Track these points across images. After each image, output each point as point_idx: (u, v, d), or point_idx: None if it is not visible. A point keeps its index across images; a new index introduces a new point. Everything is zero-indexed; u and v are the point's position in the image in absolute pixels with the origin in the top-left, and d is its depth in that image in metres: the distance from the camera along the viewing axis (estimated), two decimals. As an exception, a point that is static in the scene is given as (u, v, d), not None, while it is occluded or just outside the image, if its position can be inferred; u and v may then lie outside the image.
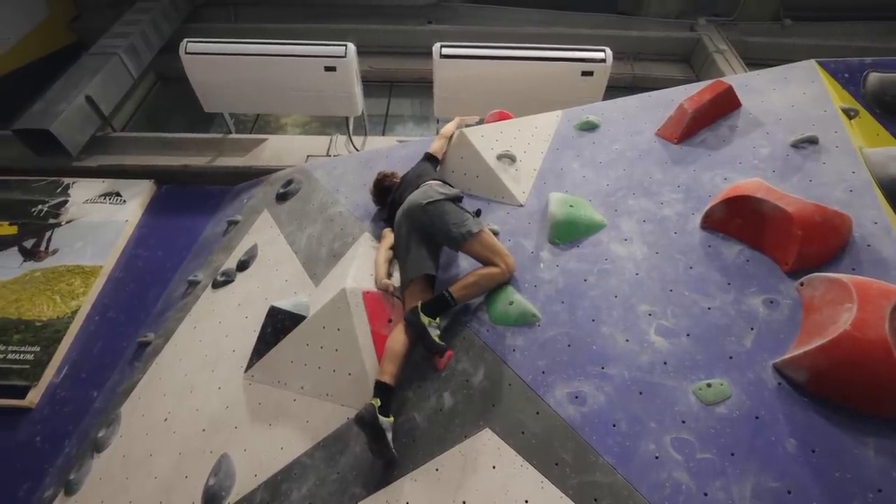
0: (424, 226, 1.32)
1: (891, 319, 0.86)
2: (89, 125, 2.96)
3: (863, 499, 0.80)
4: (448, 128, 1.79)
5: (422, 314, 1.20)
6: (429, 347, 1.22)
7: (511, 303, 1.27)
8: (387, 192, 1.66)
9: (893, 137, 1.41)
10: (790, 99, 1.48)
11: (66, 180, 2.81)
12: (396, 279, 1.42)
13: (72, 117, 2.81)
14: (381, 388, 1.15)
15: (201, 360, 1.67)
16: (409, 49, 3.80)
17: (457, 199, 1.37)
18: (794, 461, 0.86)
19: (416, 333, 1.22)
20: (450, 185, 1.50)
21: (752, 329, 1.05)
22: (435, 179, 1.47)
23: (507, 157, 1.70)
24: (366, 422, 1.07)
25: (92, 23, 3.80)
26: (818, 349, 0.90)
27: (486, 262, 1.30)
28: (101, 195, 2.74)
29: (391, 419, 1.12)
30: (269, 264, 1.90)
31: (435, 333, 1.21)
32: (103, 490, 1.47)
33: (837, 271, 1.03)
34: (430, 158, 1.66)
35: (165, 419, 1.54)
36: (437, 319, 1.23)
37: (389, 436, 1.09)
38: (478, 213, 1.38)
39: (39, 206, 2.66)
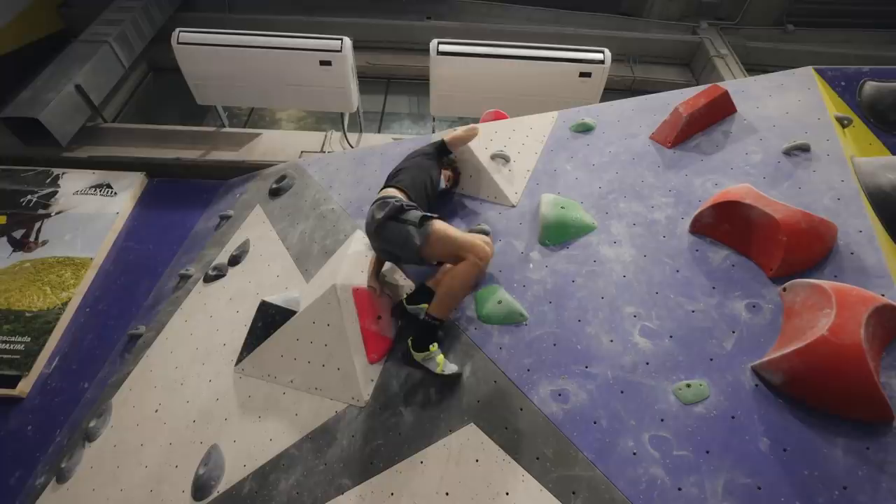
0: (381, 247, 1.29)
1: (867, 325, 0.88)
2: (79, 115, 2.91)
3: (829, 496, 0.83)
4: (474, 126, 1.62)
5: (414, 353, 1.15)
6: (442, 379, 1.13)
7: (499, 302, 1.29)
8: None
9: (886, 147, 1.42)
10: (785, 106, 1.48)
11: (56, 171, 2.76)
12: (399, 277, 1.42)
13: (61, 106, 2.75)
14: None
15: (192, 354, 1.67)
16: (408, 45, 3.75)
17: (398, 212, 1.22)
18: (766, 459, 0.89)
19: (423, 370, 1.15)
20: (405, 188, 1.33)
21: (733, 332, 1.07)
22: (396, 186, 1.33)
23: (501, 157, 1.70)
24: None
25: (80, 9, 3.70)
26: (795, 352, 0.92)
27: (455, 260, 1.20)
28: (92, 187, 2.71)
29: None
30: (260, 259, 1.89)
31: (440, 365, 1.13)
32: (94, 478, 1.48)
33: (820, 278, 1.05)
34: (439, 146, 1.53)
35: (156, 410, 1.55)
36: (435, 345, 1.15)
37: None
38: (421, 222, 1.18)
39: (28, 197, 2.63)
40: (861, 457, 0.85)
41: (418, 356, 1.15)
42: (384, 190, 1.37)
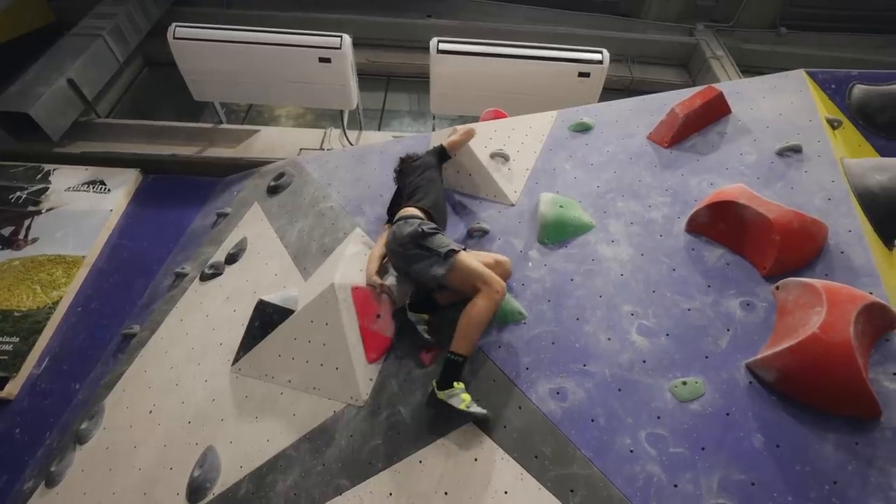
0: (401, 266, 1.32)
1: (856, 323, 0.90)
2: (71, 110, 2.86)
3: (819, 490, 0.85)
4: (470, 127, 1.64)
5: (438, 392, 1.10)
6: (473, 420, 1.07)
7: (498, 301, 1.29)
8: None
9: (874, 149, 1.45)
10: (778, 107, 1.51)
11: (47, 167, 2.71)
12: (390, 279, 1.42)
13: (52, 101, 2.70)
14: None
15: (188, 353, 1.65)
16: (408, 43, 3.75)
17: (422, 238, 1.24)
18: (760, 455, 0.91)
19: (446, 412, 1.09)
20: (428, 208, 1.36)
21: (728, 330, 1.09)
22: (416, 205, 1.35)
23: (501, 156, 1.71)
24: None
25: (72, 2, 3.63)
26: (787, 350, 0.94)
27: (470, 290, 1.19)
28: (84, 183, 2.66)
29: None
30: (258, 258, 1.88)
31: (464, 401, 1.06)
32: (86, 482, 1.45)
33: (812, 276, 1.07)
34: (440, 153, 1.54)
35: (150, 411, 1.53)
36: (461, 384, 1.10)
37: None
38: (447, 256, 1.20)
39: (18, 193, 2.57)
40: (851, 452, 0.86)
41: (441, 394, 1.09)
42: (405, 209, 1.37)
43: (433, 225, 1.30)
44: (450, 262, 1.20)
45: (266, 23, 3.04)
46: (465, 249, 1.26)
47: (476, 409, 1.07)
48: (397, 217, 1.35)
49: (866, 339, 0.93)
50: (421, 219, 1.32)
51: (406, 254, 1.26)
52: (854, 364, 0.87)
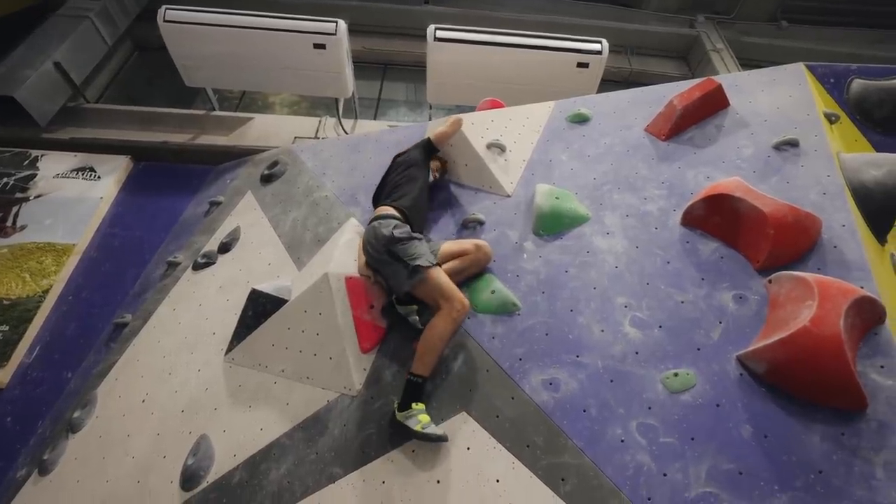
0: (373, 266, 1.32)
1: (846, 317, 0.91)
2: (59, 94, 2.78)
3: (805, 479, 0.87)
4: (457, 118, 1.62)
5: (397, 413, 1.08)
6: (422, 438, 1.05)
7: (493, 292, 1.29)
8: None
9: (870, 144, 1.45)
10: (776, 101, 1.50)
11: (35, 153, 2.64)
12: None
13: (39, 84, 2.63)
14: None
15: (180, 343, 1.64)
16: (405, 30, 3.67)
17: (394, 243, 1.22)
18: (748, 445, 0.92)
19: (404, 433, 1.07)
20: (404, 209, 1.33)
21: (720, 323, 1.10)
22: (393, 204, 1.34)
23: (497, 147, 1.68)
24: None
25: (60, -19, 3.51)
26: (778, 342, 0.95)
27: (433, 304, 1.20)
28: (74, 170, 2.60)
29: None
30: (251, 247, 1.86)
31: (421, 423, 1.05)
32: (79, 470, 1.45)
33: (804, 270, 1.07)
34: (427, 146, 1.53)
35: (143, 400, 1.53)
36: (420, 405, 1.09)
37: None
38: (415, 270, 1.18)
39: (5, 179, 2.51)
40: (836, 442, 0.88)
41: (400, 416, 1.07)
42: (381, 207, 1.36)
43: (407, 229, 1.28)
44: (416, 278, 1.19)
45: (260, 6, 2.94)
46: (436, 262, 1.23)
47: (432, 430, 1.04)
48: (372, 217, 1.34)
49: (856, 332, 0.94)
50: (397, 219, 1.30)
51: (378, 257, 1.27)
52: (843, 357, 0.87)
